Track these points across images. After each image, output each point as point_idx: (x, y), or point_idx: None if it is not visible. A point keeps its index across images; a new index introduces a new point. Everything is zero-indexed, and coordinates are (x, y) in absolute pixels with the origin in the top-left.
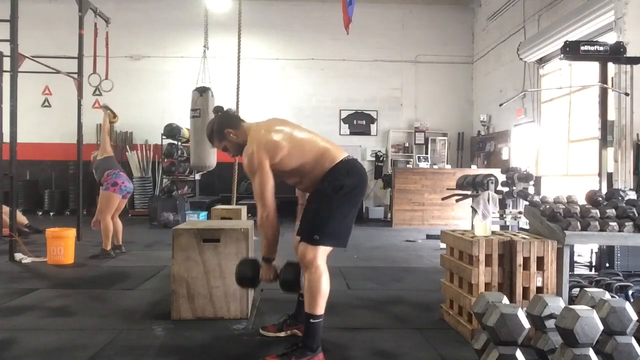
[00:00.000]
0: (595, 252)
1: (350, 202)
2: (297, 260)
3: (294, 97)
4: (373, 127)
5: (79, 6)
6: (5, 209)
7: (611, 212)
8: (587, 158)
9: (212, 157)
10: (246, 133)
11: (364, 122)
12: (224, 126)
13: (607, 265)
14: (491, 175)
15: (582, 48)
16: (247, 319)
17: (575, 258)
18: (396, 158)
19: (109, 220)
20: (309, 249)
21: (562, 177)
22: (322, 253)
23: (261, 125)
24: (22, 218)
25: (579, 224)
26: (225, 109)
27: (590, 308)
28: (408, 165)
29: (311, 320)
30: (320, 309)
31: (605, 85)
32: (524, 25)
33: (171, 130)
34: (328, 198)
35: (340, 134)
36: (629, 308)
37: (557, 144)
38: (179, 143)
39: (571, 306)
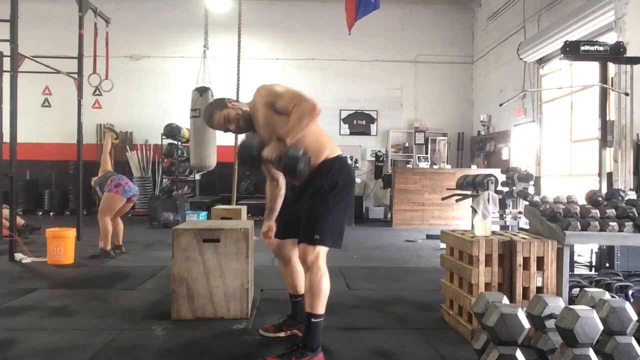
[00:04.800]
0: (595, 252)
1: (343, 200)
2: (299, 148)
3: None
4: (373, 127)
5: (79, 6)
6: (5, 212)
7: (611, 212)
8: (590, 158)
9: (212, 157)
10: (247, 104)
11: (364, 122)
12: (222, 99)
13: (607, 265)
14: (491, 175)
15: (582, 48)
16: (247, 319)
17: (575, 258)
18: (396, 158)
19: (107, 221)
20: (309, 250)
21: (566, 178)
22: (323, 253)
23: None
24: (19, 219)
25: (579, 224)
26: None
27: (590, 308)
28: (408, 165)
29: (312, 320)
30: (322, 309)
31: (605, 85)
32: (524, 25)
33: (171, 130)
34: (324, 196)
35: (340, 134)
36: (629, 308)
37: (560, 144)
38: (179, 143)
39: (571, 306)
